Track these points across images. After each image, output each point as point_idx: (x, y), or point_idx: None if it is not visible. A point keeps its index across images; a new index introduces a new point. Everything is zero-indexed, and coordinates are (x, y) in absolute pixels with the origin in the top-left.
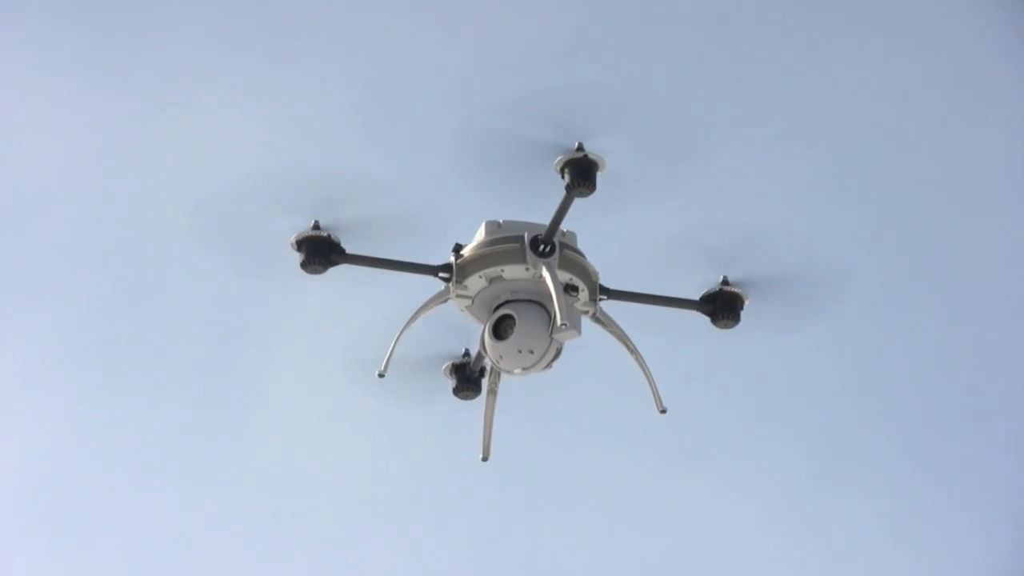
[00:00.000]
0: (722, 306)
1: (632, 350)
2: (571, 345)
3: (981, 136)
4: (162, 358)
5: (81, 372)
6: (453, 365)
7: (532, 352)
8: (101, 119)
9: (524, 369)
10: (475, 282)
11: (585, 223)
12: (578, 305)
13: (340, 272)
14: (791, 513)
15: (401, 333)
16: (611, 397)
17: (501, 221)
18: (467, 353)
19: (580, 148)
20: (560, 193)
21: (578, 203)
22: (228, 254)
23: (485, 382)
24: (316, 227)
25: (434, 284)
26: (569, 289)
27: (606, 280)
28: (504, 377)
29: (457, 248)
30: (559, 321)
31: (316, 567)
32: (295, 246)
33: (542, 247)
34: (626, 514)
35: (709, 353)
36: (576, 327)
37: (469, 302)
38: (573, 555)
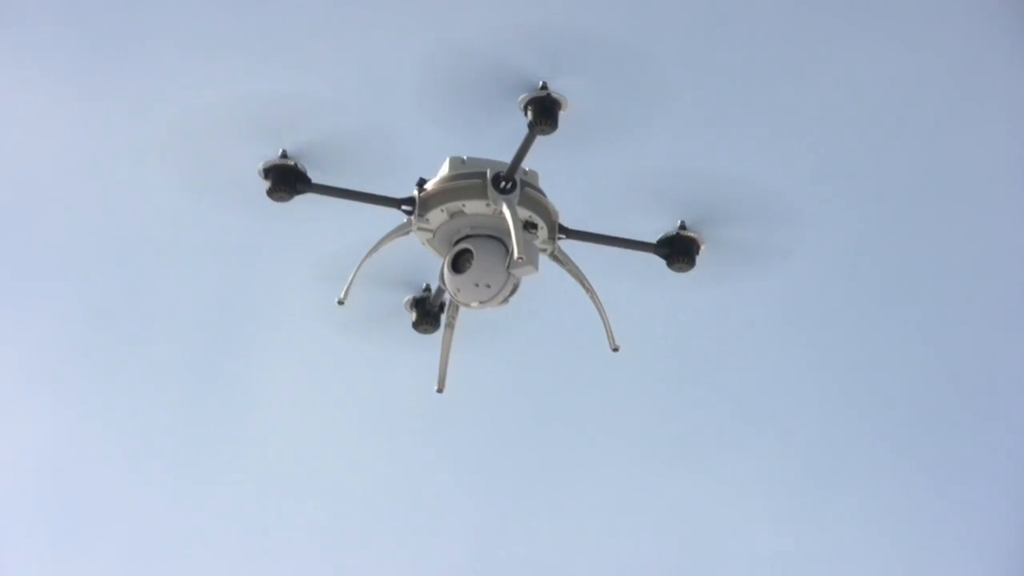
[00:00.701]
0: (678, 250)
1: (588, 289)
2: (530, 284)
3: (939, 87)
4: (150, 356)
5: (72, 367)
6: (413, 299)
7: (489, 286)
8: (92, 121)
9: (481, 303)
10: (437, 216)
11: (548, 163)
12: (537, 243)
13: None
14: (717, 458)
15: (362, 263)
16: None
17: (465, 157)
18: (427, 288)
19: (544, 87)
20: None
21: (543, 143)
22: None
23: (444, 316)
24: (283, 156)
25: (398, 216)
26: (528, 226)
27: (566, 220)
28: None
29: (421, 182)
30: (516, 255)
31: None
32: (262, 174)
33: (503, 184)
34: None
35: (664, 296)
36: (533, 263)
37: (430, 235)
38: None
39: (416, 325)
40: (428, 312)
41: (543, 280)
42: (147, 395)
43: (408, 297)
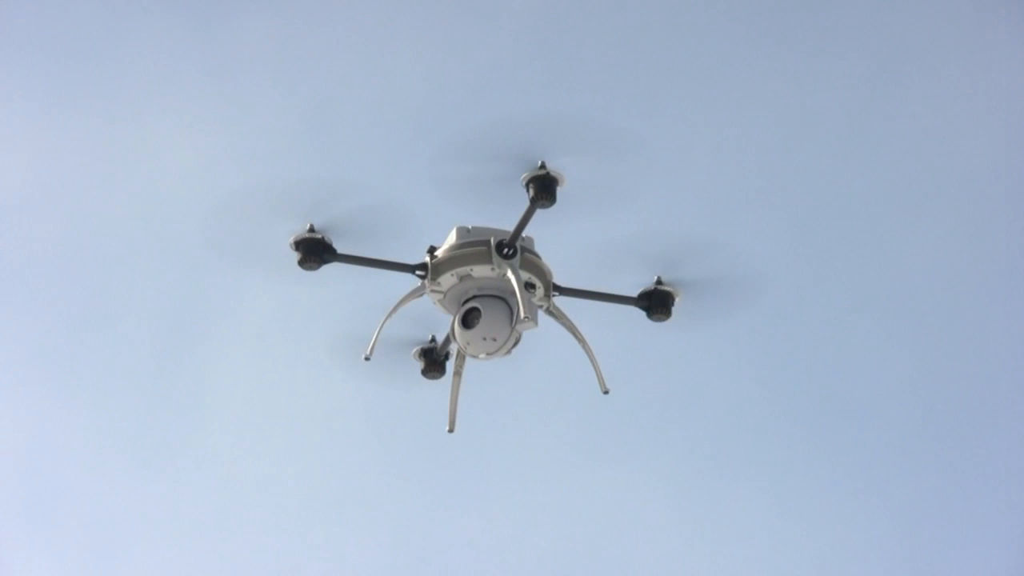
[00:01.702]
0: (656, 302)
1: (580, 339)
2: (529, 335)
3: (886, 151)
4: (128, 360)
5: (45, 368)
6: (421, 349)
7: (495, 340)
8: (65, 142)
9: (488, 354)
10: (447, 279)
11: (541, 229)
12: (535, 300)
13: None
14: (696, 489)
15: (384, 322)
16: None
17: (470, 227)
18: (433, 339)
19: (543, 165)
20: (523, 202)
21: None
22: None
23: (451, 364)
24: (311, 230)
25: (412, 280)
26: (528, 286)
27: (558, 279)
28: (468, 361)
29: (431, 250)
30: (521, 314)
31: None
32: (293, 246)
33: (506, 250)
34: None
35: (644, 343)
36: (534, 319)
37: (442, 296)
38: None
39: (424, 372)
40: (435, 360)
41: (540, 331)
42: (115, 389)
43: (416, 348)
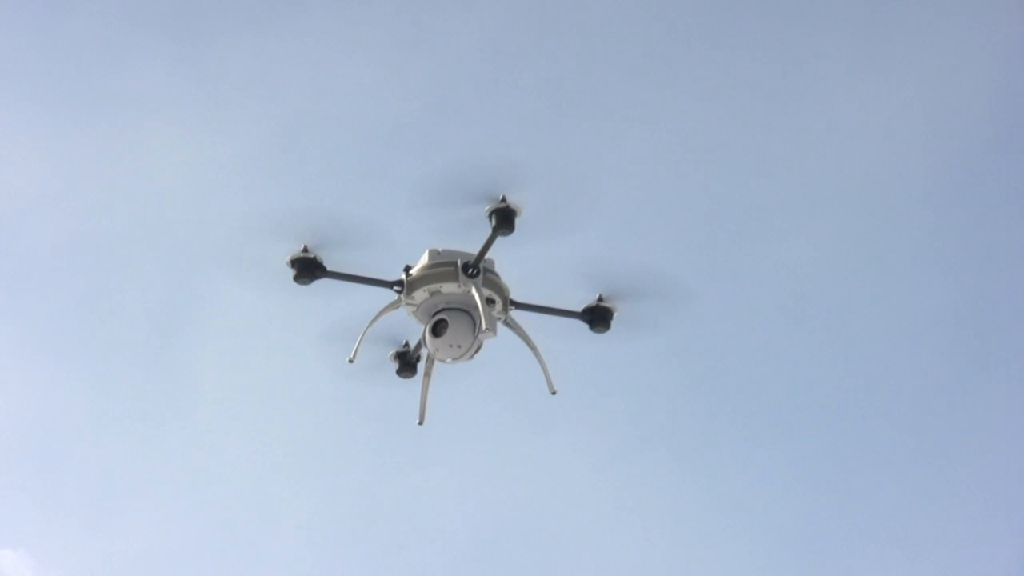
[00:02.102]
0: (597, 316)
1: (532, 347)
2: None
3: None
4: (129, 339)
5: (58, 348)
6: (396, 352)
7: (460, 347)
8: (73, 151)
9: (454, 359)
10: (420, 294)
11: (501, 252)
12: (494, 313)
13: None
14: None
15: (366, 330)
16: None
17: (440, 249)
18: (406, 344)
19: (504, 199)
20: (486, 228)
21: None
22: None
23: (422, 366)
24: (305, 250)
25: (390, 294)
26: (488, 301)
27: (515, 295)
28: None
29: (407, 269)
30: (483, 326)
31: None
32: (289, 264)
33: (470, 271)
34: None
35: (587, 350)
36: (493, 329)
37: (415, 308)
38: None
39: (399, 372)
40: (408, 362)
41: (499, 339)
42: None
43: (392, 351)
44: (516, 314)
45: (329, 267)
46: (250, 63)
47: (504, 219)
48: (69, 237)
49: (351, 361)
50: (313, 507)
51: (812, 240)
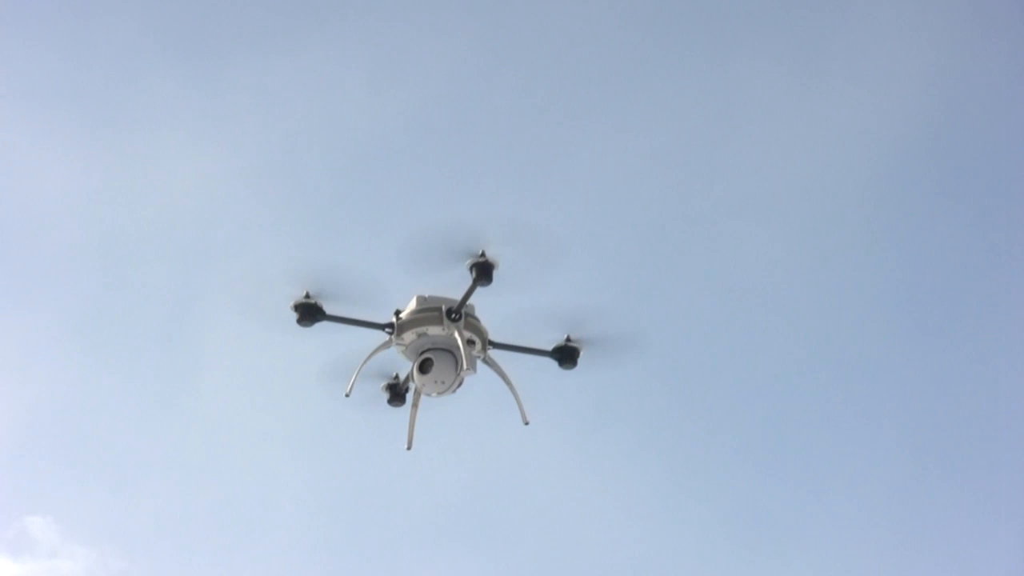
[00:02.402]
0: (565, 355)
1: (508, 382)
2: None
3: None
4: (142, 330)
5: (78, 340)
6: (388, 384)
7: (444, 383)
8: (89, 168)
9: (439, 393)
10: (409, 336)
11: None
12: (474, 352)
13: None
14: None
15: (361, 367)
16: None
17: (427, 295)
18: (396, 376)
19: (483, 254)
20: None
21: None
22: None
23: (410, 396)
24: (307, 296)
25: (382, 335)
26: (469, 342)
27: (493, 336)
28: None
29: (397, 313)
30: (464, 365)
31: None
32: (292, 309)
33: (453, 315)
34: None
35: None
36: (473, 368)
37: (404, 348)
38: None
39: (390, 401)
40: (398, 393)
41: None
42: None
43: (384, 383)
44: (494, 353)
45: (328, 311)
46: (255, 83)
47: (482, 272)
48: (90, 236)
49: (347, 395)
50: (307, 480)
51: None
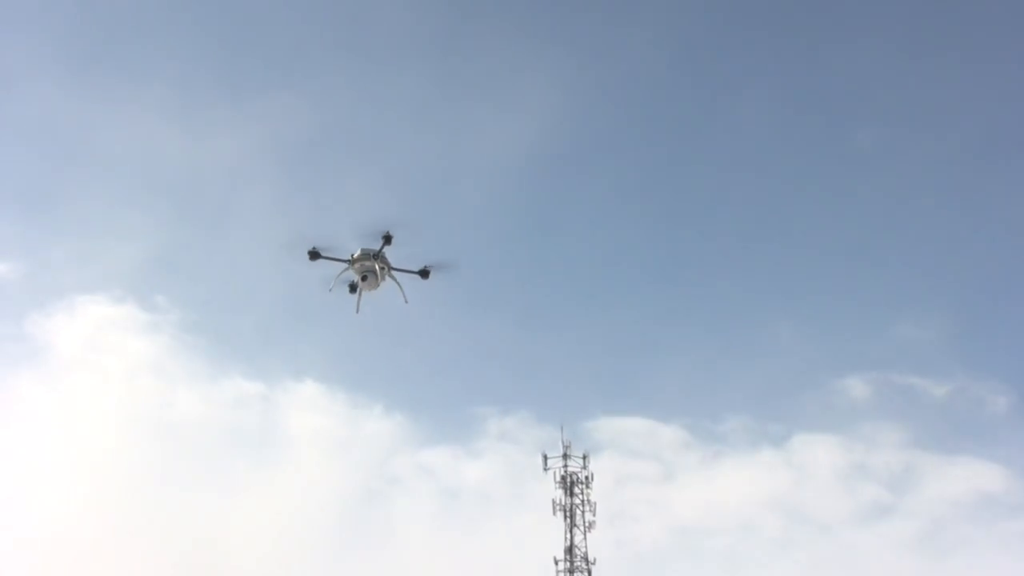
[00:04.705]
0: (423, 274)
1: (398, 283)
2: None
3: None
4: None
5: None
6: (349, 284)
7: (372, 285)
8: None
9: (370, 289)
10: (357, 265)
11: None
12: (385, 272)
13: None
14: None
15: (337, 278)
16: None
17: (365, 247)
18: (352, 283)
19: (389, 232)
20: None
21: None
22: None
23: (358, 292)
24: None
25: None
26: (381, 268)
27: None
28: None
29: (352, 255)
30: (380, 278)
31: None
32: (307, 253)
33: (375, 256)
34: None
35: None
36: (384, 278)
37: (355, 269)
38: None
39: (350, 292)
40: (353, 287)
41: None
42: None
43: (347, 284)
44: (395, 273)
45: (324, 255)
46: None
47: (387, 240)
48: None
49: (330, 290)
50: None
51: None
